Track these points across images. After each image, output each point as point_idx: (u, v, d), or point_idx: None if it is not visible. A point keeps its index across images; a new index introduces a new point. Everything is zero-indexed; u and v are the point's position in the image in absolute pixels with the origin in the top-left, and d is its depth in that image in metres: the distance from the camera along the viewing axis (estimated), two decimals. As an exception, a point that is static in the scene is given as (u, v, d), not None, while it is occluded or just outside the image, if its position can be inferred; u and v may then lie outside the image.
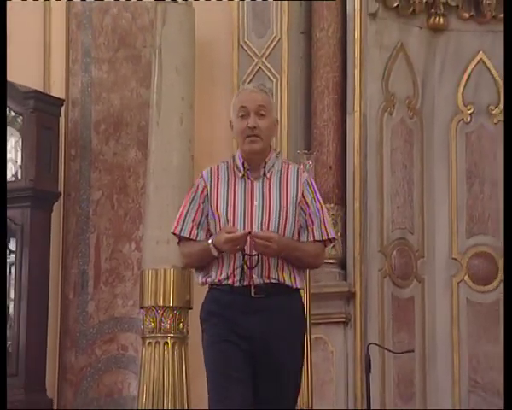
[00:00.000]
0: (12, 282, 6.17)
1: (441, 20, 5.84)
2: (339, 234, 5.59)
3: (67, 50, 6.29)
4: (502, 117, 5.81)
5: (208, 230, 3.54)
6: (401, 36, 5.78)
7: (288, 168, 3.55)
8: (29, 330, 6.03)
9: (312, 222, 3.51)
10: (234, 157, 3.56)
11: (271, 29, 5.72)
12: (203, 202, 3.54)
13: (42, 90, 6.27)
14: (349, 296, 5.54)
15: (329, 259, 5.51)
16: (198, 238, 3.52)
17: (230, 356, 3.45)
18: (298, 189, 3.51)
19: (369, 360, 5.18)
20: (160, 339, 5.50)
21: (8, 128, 6.13)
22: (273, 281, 3.43)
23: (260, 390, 3.47)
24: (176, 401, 5.40)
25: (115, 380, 6.06)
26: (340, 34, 5.66)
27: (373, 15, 5.65)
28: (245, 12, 5.71)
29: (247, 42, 5.70)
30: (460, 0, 5.86)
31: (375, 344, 5.39)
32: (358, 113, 5.61)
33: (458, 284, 5.76)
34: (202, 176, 3.54)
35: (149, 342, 5.51)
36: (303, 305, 3.63)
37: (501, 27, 5.68)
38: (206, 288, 3.58)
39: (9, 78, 6.17)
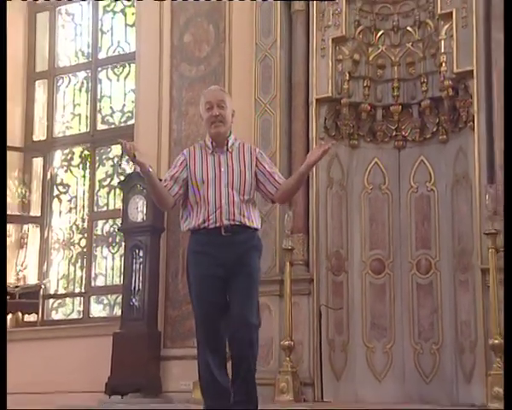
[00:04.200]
0: (141, 273, 6.05)
1: (355, 142, 5.78)
2: (307, 247, 5.44)
3: (170, 159, 6.18)
4: (387, 190, 5.75)
5: (180, 189, 2.97)
6: (336, 150, 5.68)
7: (243, 146, 3.03)
8: (149, 297, 5.98)
9: (272, 175, 3.01)
10: (205, 140, 3.03)
11: (271, 145, 5.63)
12: (182, 169, 2.97)
13: (156, 176, 6.27)
14: (310, 281, 5.44)
15: (300, 260, 5.46)
16: (171, 189, 2.98)
17: (210, 294, 2.91)
18: (252, 158, 2.98)
19: (320, 313, 5.36)
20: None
21: (139, 196, 6.14)
22: (237, 223, 2.89)
23: (232, 296, 2.90)
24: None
25: (191, 324, 5.62)
26: (306, 149, 5.54)
27: (322, 139, 5.59)
28: (257, 131, 5.67)
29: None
30: (365, 132, 5.77)
31: (324, 305, 5.43)
32: (315, 187, 5.54)
33: (365, 274, 5.67)
34: (183, 153, 3.05)
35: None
36: (259, 239, 3.04)
37: (387, 146, 5.74)
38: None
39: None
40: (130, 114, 7.00)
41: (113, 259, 6.90)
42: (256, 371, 2.97)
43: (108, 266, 6.94)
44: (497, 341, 4.59)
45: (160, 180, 3.09)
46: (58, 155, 7.34)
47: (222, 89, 3.10)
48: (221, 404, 2.91)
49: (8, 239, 7.04)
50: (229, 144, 2.98)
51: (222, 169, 2.92)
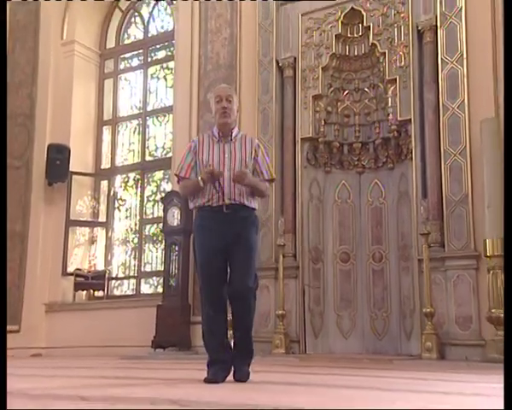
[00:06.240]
0: (176, 262, 5.98)
1: (329, 168, 5.77)
2: (294, 244, 5.36)
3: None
4: (351, 203, 5.71)
5: (196, 173, 2.58)
6: (315, 175, 5.72)
7: (245, 137, 2.64)
8: (182, 279, 5.92)
9: (260, 169, 2.61)
10: (213, 130, 2.62)
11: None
12: (194, 155, 2.57)
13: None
14: (297, 268, 5.46)
15: (289, 253, 5.43)
16: (190, 177, 2.58)
17: (213, 261, 2.48)
18: (252, 148, 2.59)
19: (304, 290, 5.34)
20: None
21: (175, 207, 6.05)
22: (237, 202, 2.51)
23: (233, 264, 2.50)
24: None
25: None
26: (294, 174, 5.55)
27: (305, 168, 5.60)
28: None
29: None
30: (335, 162, 5.78)
31: (306, 285, 5.45)
32: (300, 201, 5.54)
33: (336, 263, 5.68)
34: (193, 140, 2.63)
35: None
36: (256, 217, 2.61)
37: (351, 171, 5.65)
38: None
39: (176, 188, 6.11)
40: (168, 149, 7.09)
41: (156, 252, 7.00)
42: (253, 326, 2.59)
43: (153, 257, 7.01)
44: (428, 309, 4.68)
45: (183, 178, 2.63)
46: (118, 179, 7.48)
47: (229, 87, 2.70)
48: (220, 354, 2.49)
49: (82, 238, 7.21)
50: (233, 135, 2.59)
51: (226, 156, 2.53)
